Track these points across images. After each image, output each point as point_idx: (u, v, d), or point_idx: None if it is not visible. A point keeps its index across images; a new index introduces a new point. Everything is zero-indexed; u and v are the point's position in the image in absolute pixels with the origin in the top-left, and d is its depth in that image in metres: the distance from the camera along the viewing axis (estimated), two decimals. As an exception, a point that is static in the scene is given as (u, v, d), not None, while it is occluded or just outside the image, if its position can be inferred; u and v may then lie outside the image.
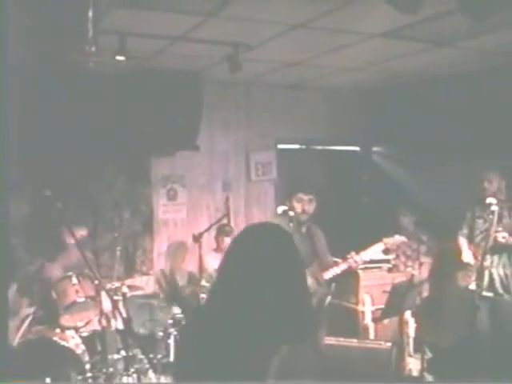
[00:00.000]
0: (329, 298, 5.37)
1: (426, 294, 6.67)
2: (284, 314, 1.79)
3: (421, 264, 6.87)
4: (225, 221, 7.22)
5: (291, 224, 5.33)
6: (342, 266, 5.31)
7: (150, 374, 5.81)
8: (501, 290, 6.01)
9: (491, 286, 6.02)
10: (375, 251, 5.69)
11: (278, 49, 6.08)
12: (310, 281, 4.98)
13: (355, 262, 5.25)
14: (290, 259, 1.91)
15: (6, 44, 2.78)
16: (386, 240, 5.46)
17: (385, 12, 4.81)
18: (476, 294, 5.89)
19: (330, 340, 5.47)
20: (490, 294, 5.98)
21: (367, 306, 6.45)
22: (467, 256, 6.17)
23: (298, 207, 5.30)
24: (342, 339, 5.62)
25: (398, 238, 5.72)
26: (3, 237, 2.75)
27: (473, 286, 5.95)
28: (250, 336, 1.77)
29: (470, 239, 6.24)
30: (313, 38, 5.72)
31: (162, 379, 5.81)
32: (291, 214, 5.23)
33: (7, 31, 2.72)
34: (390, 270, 6.81)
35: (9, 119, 3.39)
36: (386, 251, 6.49)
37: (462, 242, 6.33)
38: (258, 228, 2.11)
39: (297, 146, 8.60)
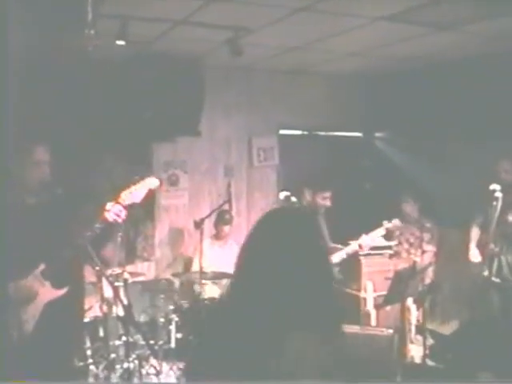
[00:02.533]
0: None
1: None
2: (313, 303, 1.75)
3: (423, 252, 6.84)
4: (226, 207, 7.20)
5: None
6: (347, 250, 5.34)
7: (151, 360, 5.82)
8: (510, 277, 5.98)
9: (499, 272, 5.99)
10: (377, 235, 5.71)
11: (280, 33, 6.02)
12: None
13: (360, 246, 5.28)
14: (312, 242, 1.86)
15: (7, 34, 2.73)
16: (386, 225, 5.48)
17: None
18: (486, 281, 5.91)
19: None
20: (499, 280, 5.96)
21: (369, 292, 6.42)
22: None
23: (319, 202, 5.55)
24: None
25: (398, 222, 5.75)
26: (3, 235, 2.70)
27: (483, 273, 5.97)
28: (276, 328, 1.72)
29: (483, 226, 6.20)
30: (315, 21, 5.66)
31: (164, 365, 5.81)
32: (293, 199, 5.26)
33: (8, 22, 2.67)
34: (391, 257, 6.77)
35: (9, 108, 3.36)
36: (389, 237, 6.51)
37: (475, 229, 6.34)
38: (277, 213, 2.04)
39: (299, 132, 8.56)
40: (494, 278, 5.96)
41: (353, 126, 8.73)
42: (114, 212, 3.91)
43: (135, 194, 4.01)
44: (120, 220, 3.95)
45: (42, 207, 3.90)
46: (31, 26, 5.05)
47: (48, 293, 3.83)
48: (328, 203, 5.83)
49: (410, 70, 7.60)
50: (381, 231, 5.89)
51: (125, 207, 3.96)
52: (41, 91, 6.27)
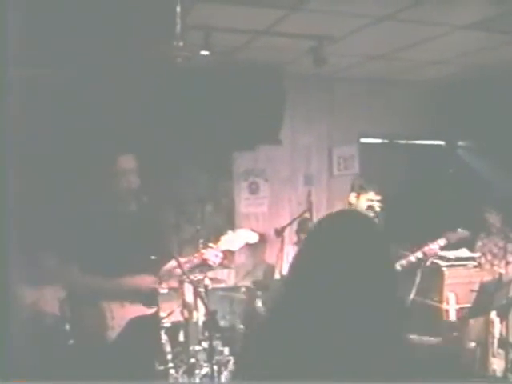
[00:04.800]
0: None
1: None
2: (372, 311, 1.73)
3: (508, 263, 6.65)
4: (307, 215, 7.19)
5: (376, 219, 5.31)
6: (403, 263, 5.20)
7: (231, 365, 5.87)
8: None
9: None
10: (437, 246, 5.52)
11: (362, 42, 6.01)
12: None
13: (424, 254, 5.14)
14: (376, 248, 1.82)
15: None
16: (448, 234, 5.32)
17: (471, 3, 4.71)
18: None
19: (413, 338, 5.39)
20: None
21: (451, 304, 6.30)
22: None
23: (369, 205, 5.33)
24: (425, 338, 5.55)
25: (461, 232, 5.58)
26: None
27: None
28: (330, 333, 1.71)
29: None
30: (398, 30, 5.64)
31: (242, 372, 5.84)
32: (377, 209, 5.16)
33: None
34: (475, 268, 6.63)
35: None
36: (471, 248, 6.36)
37: None
38: (340, 215, 2.00)
39: (380, 140, 8.49)
40: None
41: (435, 134, 8.60)
42: (211, 255, 4.07)
43: (233, 242, 4.14)
44: (215, 263, 4.12)
45: (131, 216, 3.98)
46: (120, 37, 5.21)
47: (137, 309, 3.90)
48: (376, 208, 5.56)
49: (492, 77, 7.45)
50: (441, 243, 5.71)
51: (221, 252, 4.10)
52: (126, 101, 6.43)
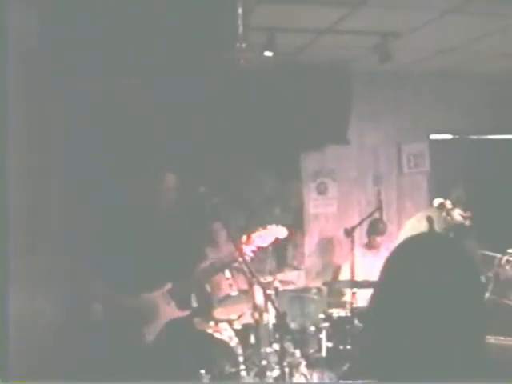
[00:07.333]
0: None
1: None
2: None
3: None
4: (377, 215, 7.09)
5: (449, 217, 5.25)
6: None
7: (302, 367, 5.83)
8: None
9: None
10: None
11: (429, 35, 5.89)
12: None
13: None
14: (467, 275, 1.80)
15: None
16: None
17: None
18: None
19: (489, 339, 5.23)
20: None
21: (529, 303, 6.10)
22: None
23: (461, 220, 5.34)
24: (501, 338, 5.39)
25: None
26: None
27: None
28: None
29: None
30: (466, 22, 5.50)
31: (314, 374, 5.80)
32: (449, 206, 5.14)
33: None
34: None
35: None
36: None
37: None
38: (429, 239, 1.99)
39: (450, 136, 8.30)
40: None
41: (508, 128, 8.35)
42: (247, 251, 4.18)
43: (263, 238, 4.27)
44: (250, 257, 4.23)
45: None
46: (184, 41, 5.25)
47: (171, 313, 3.95)
48: (467, 223, 5.58)
49: None
50: None
51: (256, 247, 4.24)
52: (192, 103, 6.49)
